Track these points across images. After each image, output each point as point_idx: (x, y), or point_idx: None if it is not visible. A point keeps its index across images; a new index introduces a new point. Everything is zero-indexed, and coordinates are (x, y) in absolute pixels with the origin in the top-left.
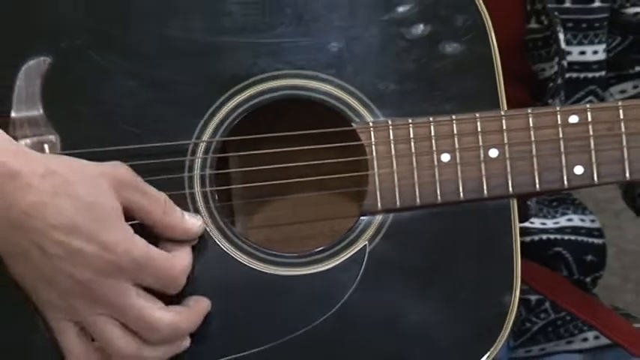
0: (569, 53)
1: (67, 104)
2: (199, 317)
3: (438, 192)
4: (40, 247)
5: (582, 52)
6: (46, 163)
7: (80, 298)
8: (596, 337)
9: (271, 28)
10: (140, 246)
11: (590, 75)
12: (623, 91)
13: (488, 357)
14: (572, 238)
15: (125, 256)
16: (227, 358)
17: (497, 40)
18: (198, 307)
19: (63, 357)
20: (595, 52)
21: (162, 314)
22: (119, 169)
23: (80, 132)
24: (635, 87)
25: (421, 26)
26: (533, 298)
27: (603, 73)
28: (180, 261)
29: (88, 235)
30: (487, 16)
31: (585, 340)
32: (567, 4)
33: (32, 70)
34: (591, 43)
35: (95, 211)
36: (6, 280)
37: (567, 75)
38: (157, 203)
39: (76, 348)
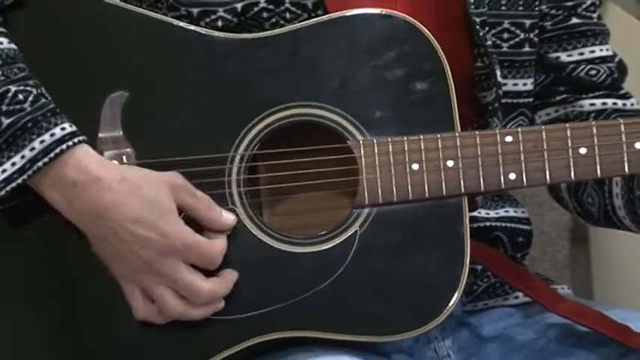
0: (504, 85)
1: (139, 127)
2: (230, 285)
3: (410, 192)
4: (116, 233)
5: (515, 84)
6: (121, 171)
7: (144, 272)
8: (525, 296)
9: (289, 72)
10: (189, 234)
11: (521, 101)
12: (547, 114)
13: (448, 309)
14: (508, 225)
15: (177, 241)
16: (251, 313)
17: (452, 76)
18: (230, 277)
19: (133, 314)
20: (524, 84)
21: (203, 283)
22: (175, 177)
23: (149, 147)
24: (556, 111)
25: (398, 70)
26: (479, 267)
27: (531, 99)
28: (217, 245)
29: (150, 225)
30: (445, 62)
31: (516, 297)
32: (504, 49)
33: (114, 101)
34: (522, 77)
35: (156, 208)
36: (93, 256)
37: (503, 101)
38: (202, 203)
39: (141, 308)
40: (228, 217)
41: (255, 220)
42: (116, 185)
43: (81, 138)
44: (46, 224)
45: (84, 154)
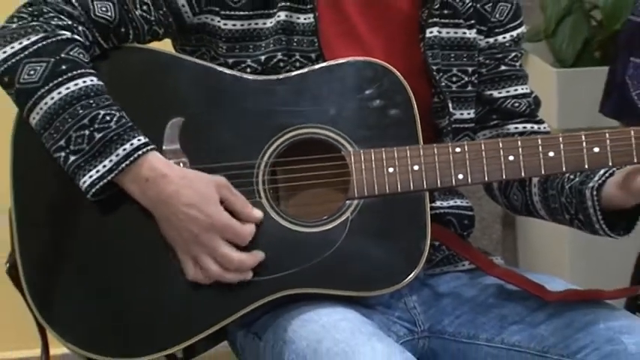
0: (454, 114)
1: (192, 142)
2: (257, 260)
3: (387, 188)
4: (175, 214)
5: (462, 114)
6: (181, 170)
7: (193, 244)
8: (470, 264)
9: (299, 103)
10: (227, 217)
11: (466, 126)
12: (484, 135)
13: (415, 273)
14: (457, 212)
15: (218, 222)
16: (271, 276)
17: (417, 107)
18: (257, 255)
19: (184, 275)
20: (468, 114)
21: (235, 255)
22: (219, 179)
23: (198, 157)
24: (491, 132)
25: (377, 100)
26: (437, 243)
27: (473, 124)
28: (247, 228)
29: (199, 209)
30: (412, 96)
31: (464, 265)
32: (454, 89)
33: (174, 124)
34: (466, 109)
35: (204, 197)
36: (157, 233)
37: (453, 126)
38: (239, 200)
39: (191, 270)
40: (257, 213)
41: (275, 208)
42: (177, 180)
43: (151, 146)
44: (127, 209)
45: (153, 157)
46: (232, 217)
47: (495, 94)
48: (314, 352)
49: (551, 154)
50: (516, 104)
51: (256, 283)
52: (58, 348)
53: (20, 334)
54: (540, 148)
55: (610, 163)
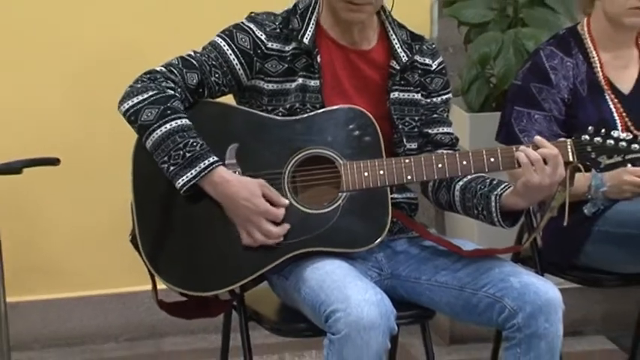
0: (407, 145)
1: (243, 159)
2: (285, 230)
3: (364, 185)
4: (235, 205)
5: (410, 145)
6: (237, 177)
7: (247, 221)
8: (415, 232)
9: (310, 133)
10: (267, 206)
11: (413, 152)
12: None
13: (382, 237)
14: (407, 200)
15: (262, 209)
16: (292, 240)
17: (382, 140)
18: (286, 226)
19: (242, 243)
20: (414, 145)
21: (273, 228)
22: (260, 181)
23: (248, 167)
24: (430, 151)
25: (357, 132)
26: (395, 219)
27: (416, 152)
28: (280, 212)
29: (250, 201)
30: (379, 130)
31: (412, 233)
32: (406, 130)
33: (232, 148)
34: (413, 142)
35: (253, 194)
36: (223, 214)
37: (405, 152)
38: (273, 194)
39: (246, 238)
40: (285, 201)
41: (294, 199)
42: (236, 183)
43: (219, 163)
44: (205, 200)
45: (220, 170)
46: (270, 205)
47: (430, 131)
48: (320, 287)
49: (464, 162)
50: (443, 138)
51: (284, 245)
52: (160, 285)
53: (141, 275)
54: (458, 158)
55: (501, 168)
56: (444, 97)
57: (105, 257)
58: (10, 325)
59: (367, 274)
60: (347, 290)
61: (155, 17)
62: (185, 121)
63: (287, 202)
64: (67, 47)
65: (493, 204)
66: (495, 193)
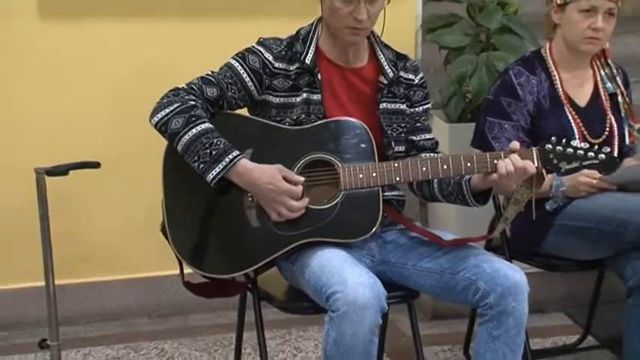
0: (394, 149)
1: (256, 161)
2: (305, 204)
3: (359, 185)
4: (260, 188)
5: (398, 149)
6: (258, 165)
7: (273, 201)
8: (403, 225)
9: (314, 141)
10: (287, 186)
11: (400, 155)
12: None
13: (375, 229)
14: (396, 197)
15: (284, 189)
16: (300, 230)
17: (375, 144)
18: (305, 201)
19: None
20: (402, 149)
21: (295, 203)
22: (278, 165)
23: (261, 159)
24: (412, 158)
25: (354, 140)
26: (385, 214)
27: (403, 155)
28: (299, 189)
29: (273, 184)
30: (372, 137)
31: (400, 225)
32: (394, 135)
33: (248, 152)
34: (400, 146)
35: (274, 177)
36: (246, 203)
37: (394, 156)
38: (291, 175)
39: (274, 215)
40: (301, 179)
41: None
42: (258, 170)
43: (243, 155)
44: (233, 190)
45: (244, 161)
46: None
47: (414, 138)
48: (321, 272)
49: (444, 166)
50: (425, 143)
51: (292, 235)
52: (186, 269)
53: (170, 261)
54: (439, 163)
55: (476, 171)
56: (424, 106)
57: (139, 246)
58: (59, 303)
59: (362, 260)
60: (345, 274)
61: (180, 45)
62: (208, 125)
63: (302, 179)
64: (106, 75)
65: (464, 187)
66: (464, 179)
